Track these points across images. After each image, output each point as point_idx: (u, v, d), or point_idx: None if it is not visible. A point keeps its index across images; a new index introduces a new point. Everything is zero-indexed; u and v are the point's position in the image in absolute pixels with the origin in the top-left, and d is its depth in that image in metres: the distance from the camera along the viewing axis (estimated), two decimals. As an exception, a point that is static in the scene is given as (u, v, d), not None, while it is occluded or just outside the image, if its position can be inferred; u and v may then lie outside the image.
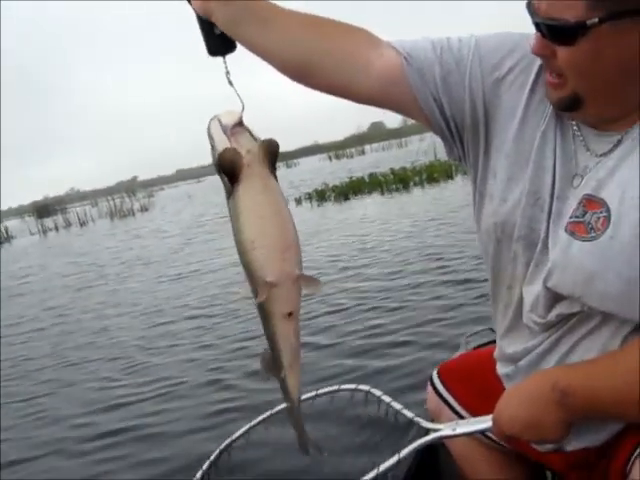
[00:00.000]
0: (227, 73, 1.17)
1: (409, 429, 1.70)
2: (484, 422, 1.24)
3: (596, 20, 0.94)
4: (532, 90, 1.11)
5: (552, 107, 1.10)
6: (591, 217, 1.03)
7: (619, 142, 1.04)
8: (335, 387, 1.79)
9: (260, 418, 1.79)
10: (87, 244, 17.26)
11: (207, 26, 1.20)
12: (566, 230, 1.06)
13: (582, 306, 1.07)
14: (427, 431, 1.43)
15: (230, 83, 1.15)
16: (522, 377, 1.23)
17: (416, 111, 1.19)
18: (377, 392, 1.67)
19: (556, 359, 1.16)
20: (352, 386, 1.75)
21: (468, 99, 1.14)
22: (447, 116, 1.17)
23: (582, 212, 1.04)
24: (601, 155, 1.06)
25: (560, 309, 1.11)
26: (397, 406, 1.59)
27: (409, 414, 1.53)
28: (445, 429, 1.34)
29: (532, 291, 1.13)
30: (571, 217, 1.06)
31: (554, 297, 1.10)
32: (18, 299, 9.79)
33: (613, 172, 1.03)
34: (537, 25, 1.01)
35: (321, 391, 1.78)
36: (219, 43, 1.21)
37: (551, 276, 1.08)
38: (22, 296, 10.03)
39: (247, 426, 1.79)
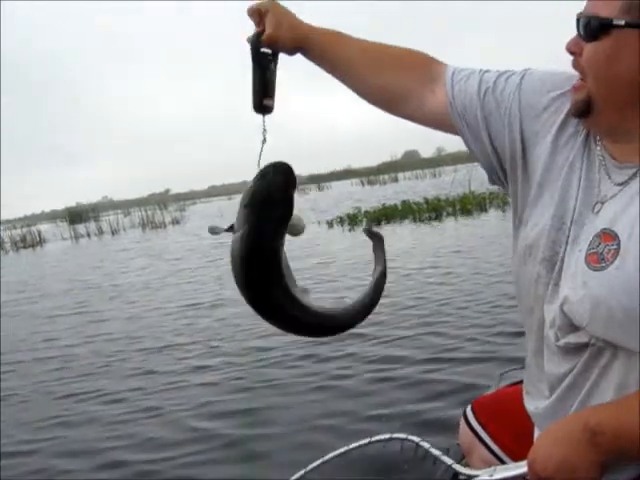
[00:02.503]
0: (264, 131, 1.33)
1: (442, 474, 1.67)
2: (521, 467, 1.21)
3: (622, 22, 1.02)
4: (563, 125, 1.21)
5: (580, 141, 1.19)
6: (604, 248, 1.08)
7: (635, 175, 1.10)
8: (366, 440, 1.71)
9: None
10: (110, 256, 17.13)
11: (265, 87, 1.34)
12: (585, 260, 1.11)
13: (589, 337, 1.12)
14: (459, 475, 1.40)
15: (264, 141, 1.32)
16: (545, 418, 1.26)
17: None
18: (415, 439, 1.62)
19: (575, 403, 1.19)
20: (387, 436, 1.70)
21: (507, 136, 1.25)
22: (488, 151, 1.29)
23: (597, 243, 1.10)
24: (619, 184, 1.12)
25: (569, 338, 1.15)
26: (436, 452, 1.54)
27: (448, 460, 1.49)
28: (483, 474, 1.30)
29: (551, 310, 1.19)
30: (589, 248, 1.11)
31: (568, 322, 1.14)
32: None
33: (628, 207, 1.08)
34: (577, 22, 1.10)
35: (353, 445, 1.72)
36: (266, 104, 1.34)
37: (566, 300, 1.13)
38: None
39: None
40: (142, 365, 5.29)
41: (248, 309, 1.25)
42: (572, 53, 1.13)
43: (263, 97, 1.33)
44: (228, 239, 1.25)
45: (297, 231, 1.29)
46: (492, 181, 1.36)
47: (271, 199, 1.19)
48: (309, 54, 1.40)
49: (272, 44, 1.34)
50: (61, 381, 5.19)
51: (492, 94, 1.26)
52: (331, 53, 1.39)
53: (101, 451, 3.60)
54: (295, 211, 1.23)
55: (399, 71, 1.36)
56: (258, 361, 4.90)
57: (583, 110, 1.13)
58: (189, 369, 4.97)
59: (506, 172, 1.30)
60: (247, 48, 1.35)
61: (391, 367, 4.33)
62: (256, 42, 1.33)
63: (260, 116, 1.35)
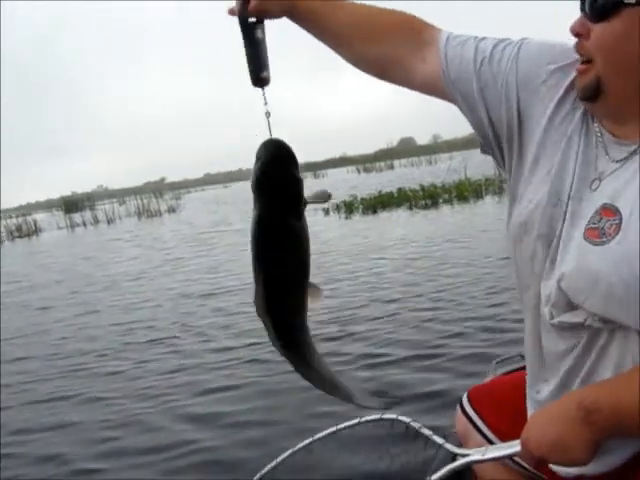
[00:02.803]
0: (266, 104, 1.26)
1: (437, 455, 1.65)
2: (513, 446, 1.21)
3: (633, 0, 0.99)
4: (561, 101, 1.18)
5: (578, 116, 1.17)
6: (605, 223, 1.07)
7: (635, 152, 1.09)
8: (356, 420, 1.72)
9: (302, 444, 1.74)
10: (104, 245, 16.92)
11: (260, 59, 1.28)
12: (583, 235, 1.10)
13: (585, 317, 1.11)
14: (456, 456, 1.40)
15: (268, 114, 1.25)
16: (547, 402, 1.23)
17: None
18: (406, 419, 1.62)
19: (576, 386, 1.19)
20: (377, 416, 1.69)
21: (504, 108, 1.22)
22: (484, 122, 1.25)
23: (598, 219, 1.09)
24: (618, 161, 1.10)
25: (564, 317, 1.15)
26: (427, 432, 1.55)
27: (439, 440, 1.49)
28: (474, 454, 1.31)
29: (547, 286, 1.17)
30: (588, 223, 1.10)
31: (564, 299, 1.13)
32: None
33: (629, 182, 1.07)
34: (582, 3, 1.07)
35: (342, 425, 1.72)
36: (264, 76, 1.29)
37: (564, 277, 1.12)
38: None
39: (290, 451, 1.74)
40: (126, 364, 5.15)
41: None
42: (577, 35, 1.10)
43: (260, 70, 1.28)
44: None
45: (323, 198, 1.28)
46: (483, 150, 1.33)
47: (269, 181, 1.17)
48: (297, 20, 1.35)
49: (260, 13, 1.28)
50: (44, 379, 5.06)
51: (489, 64, 1.22)
52: (320, 19, 1.35)
53: (79, 457, 3.48)
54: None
55: (390, 38, 1.32)
56: (245, 357, 4.78)
57: (592, 93, 1.10)
58: (175, 367, 4.83)
59: (501, 145, 1.27)
60: (231, 20, 1.30)
61: (382, 362, 4.23)
62: (243, 14, 1.27)
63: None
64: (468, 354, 4.12)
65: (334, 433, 1.70)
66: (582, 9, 1.07)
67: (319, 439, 1.70)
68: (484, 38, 1.26)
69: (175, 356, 5.11)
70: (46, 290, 10.14)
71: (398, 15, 1.33)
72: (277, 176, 1.17)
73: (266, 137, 1.20)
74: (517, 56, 1.21)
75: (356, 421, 1.70)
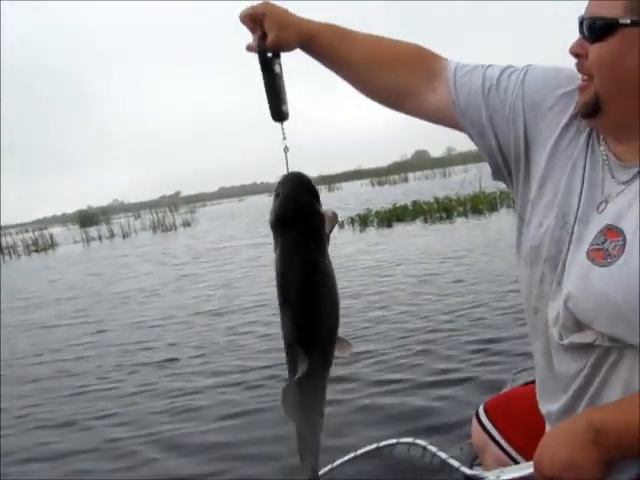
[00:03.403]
0: (285, 139, 1.25)
1: (453, 477, 1.65)
2: (527, 468, 1.23)
3: (628, 20, 1.04)
4: (567, 126, 1.21)
5: (583, 140, 1.19)
6: (609, 245, 1.09)
7: (638, 173, 1.11)
8: (374, 446, 1.74)
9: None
10: (118, 260, 16.80)
11: (279, 93, 1.28)
12: (587, 256, 1.12)
13: (594, 337, 1.12)
14: (471, 479, 1.45)
15: (286, 149, 1.23)
16: (559, 421, 1.24)
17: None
18: (422, 442, 1.67)
19: (585, 403, 1.19)
20: (394, 441, 1.73)
21: (512, 133, 1.26)
22: (493, 148, 1.29)
23: (602, 240, 1.11)
24: (623, 183, 1.13)
25: (573, 338, 1.16)
26: (443, 455, 1.59)
27: (455, 463, 1.53)
28: (489, 476, 1.33)
29: (554, 307, 1.19)
30: (592, 244, 1.12)
31: (572, 320, 1.14)
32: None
33: (632, 204, 1.09)
34: (580, 25, 1.11)
35: (361, 451, 1.74)
36: (284, 110, 1.28)
37: (570, 298, 1.13)
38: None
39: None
40: (129, 387, 5.01)
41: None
42: (576, 55, 1.14)
43: (279, 105, 1.28)
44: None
45: (333, 225, 1.19)
46: (495, 177, 1.36)
47: (288, 218, 1.11)
48: (311, 51, 1.38)
49: (278, 47, 1.29)
50: (41, 407, 4.86)
51: (496, 91, 1.26)
52: (332, 50, 1.38)
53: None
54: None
55: (400, 69, 1.36)
56: (252, 381, 4.61)
57: (591, 110, 1.13)
58: (178, 392, 4.65)
59: (510, 169, 1.30)
60: (242, 53, 1.31)
61: (387, 391, 4.05)
62: (262, 48, 1.27)
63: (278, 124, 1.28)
64: (477, 377, 3.99)
65: (353, 459, 1.75)
66: (580, 31, 1.12)
67: (338, 466, 1.74)
68: (490, 66, 1.31)
69: (180, 380, 4.96)
70: (55, 308, 10.02)
71: (409, 48, 1.37)
72: (299, 213, 1.10)
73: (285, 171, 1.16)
74: (523, 82, 1.25)
75: (374, 446, 1.74)
